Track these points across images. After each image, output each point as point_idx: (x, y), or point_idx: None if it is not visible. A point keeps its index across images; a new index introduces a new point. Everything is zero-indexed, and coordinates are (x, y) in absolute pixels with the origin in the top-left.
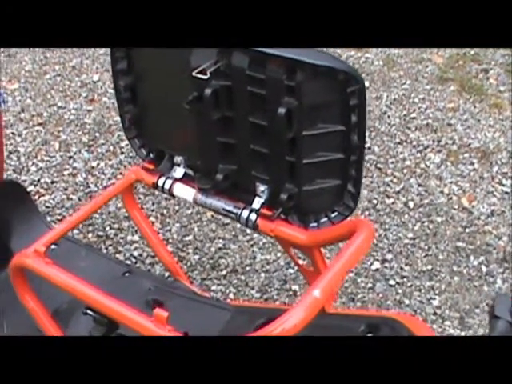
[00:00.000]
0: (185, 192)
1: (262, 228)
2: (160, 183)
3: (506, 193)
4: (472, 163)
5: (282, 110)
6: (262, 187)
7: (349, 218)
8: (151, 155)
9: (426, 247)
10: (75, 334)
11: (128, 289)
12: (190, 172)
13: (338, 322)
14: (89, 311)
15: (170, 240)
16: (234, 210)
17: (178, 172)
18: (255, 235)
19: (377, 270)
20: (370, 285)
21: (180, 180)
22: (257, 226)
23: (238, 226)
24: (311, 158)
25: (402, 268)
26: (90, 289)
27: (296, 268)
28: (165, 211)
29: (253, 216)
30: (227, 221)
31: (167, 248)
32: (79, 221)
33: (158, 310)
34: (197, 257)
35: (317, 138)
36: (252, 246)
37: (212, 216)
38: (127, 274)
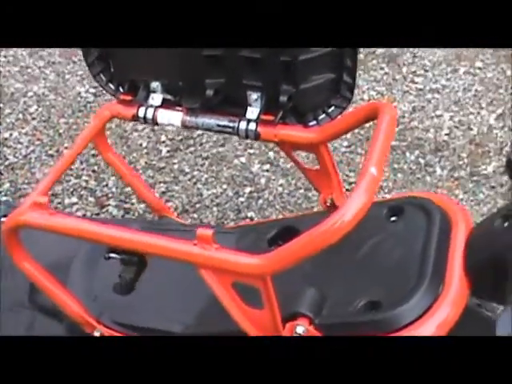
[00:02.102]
0: (171, 117)
1: (265, 135)
2: (141, 113)
3: (421, 89)
4: (382, 68)
5: None
6: (254, 95)
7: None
8: (121, 89)
9: (363, 151)
10: (99, 281)
11: None
12: (169, 97)
13: None
14: (112, 254)
15: (110, 194)
16: (231, 124)
17: (156, 99)
18: (195, 173)
19: None
20: None
21: (161, 106)
22: (258, 135)
23: (176, 167)
24: (307, 54)
25: (347, 175)
26: (114, 229)
27: (247, 196)
28: (96, 168)
29: (252, 125)
30: (162, 164)
31: (148, 186)
32: (63, 170)
33: (201, 230)
34: (143, 205)
35: None
36: (195, 183)
37: (146, 163)
38: None
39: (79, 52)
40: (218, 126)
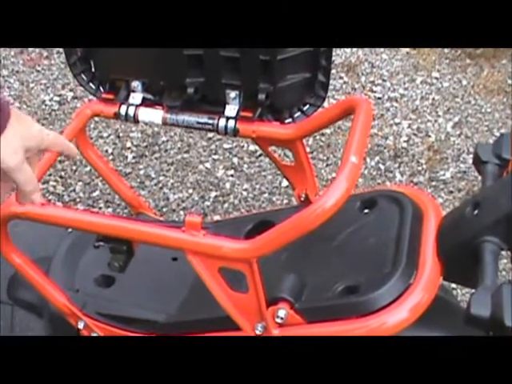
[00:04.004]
0: (151, 115)
1: (243, 132)
2: (122, 111)
3: (379, 98)
4: (341, 77)
5: None
6: (232, 94)
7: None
8: (101, 88)
9: (325, 158)
10: (87, 272)
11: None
12: (149, 96)
13: None
14: (101, 243)
15: (78, 199)
16: (210, 121)
17: (137, 98)
18: (161, 178)
19: (287, 186)
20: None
21: (142, 105)
22: (237, 131)
23: (142, 172)
24: (284, 54)
25: None
26: (104, 217)
27: (212, 200)
28: (63, 173)
29: (231, 122)
30: (128, 170)
31: (127, 183)
32: (48, 166)
33: (189, 217)
34: (110, 209)
35: None
36: (161, 188)
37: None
38: None
39: (43, 61)
40: (198, 123)
